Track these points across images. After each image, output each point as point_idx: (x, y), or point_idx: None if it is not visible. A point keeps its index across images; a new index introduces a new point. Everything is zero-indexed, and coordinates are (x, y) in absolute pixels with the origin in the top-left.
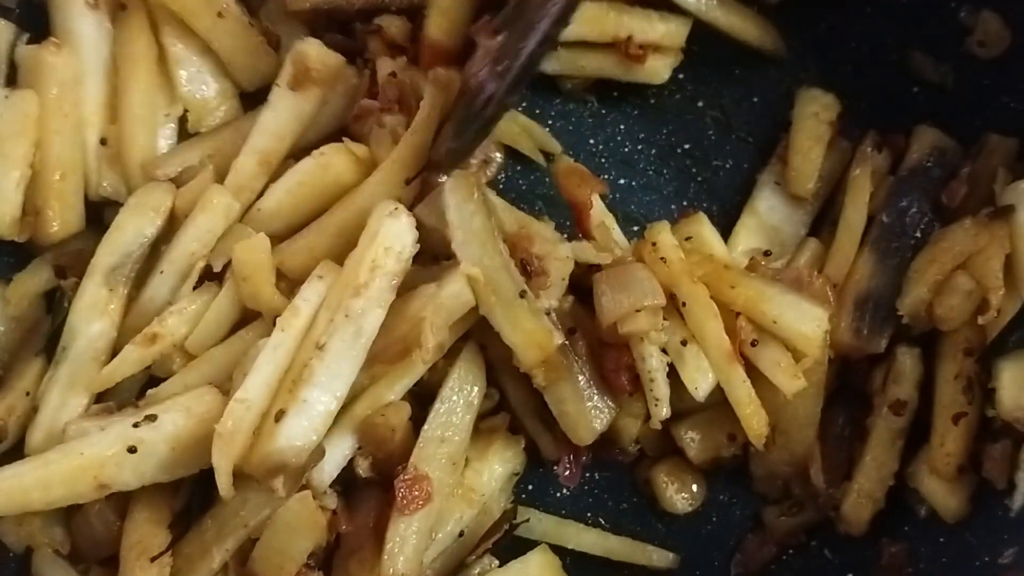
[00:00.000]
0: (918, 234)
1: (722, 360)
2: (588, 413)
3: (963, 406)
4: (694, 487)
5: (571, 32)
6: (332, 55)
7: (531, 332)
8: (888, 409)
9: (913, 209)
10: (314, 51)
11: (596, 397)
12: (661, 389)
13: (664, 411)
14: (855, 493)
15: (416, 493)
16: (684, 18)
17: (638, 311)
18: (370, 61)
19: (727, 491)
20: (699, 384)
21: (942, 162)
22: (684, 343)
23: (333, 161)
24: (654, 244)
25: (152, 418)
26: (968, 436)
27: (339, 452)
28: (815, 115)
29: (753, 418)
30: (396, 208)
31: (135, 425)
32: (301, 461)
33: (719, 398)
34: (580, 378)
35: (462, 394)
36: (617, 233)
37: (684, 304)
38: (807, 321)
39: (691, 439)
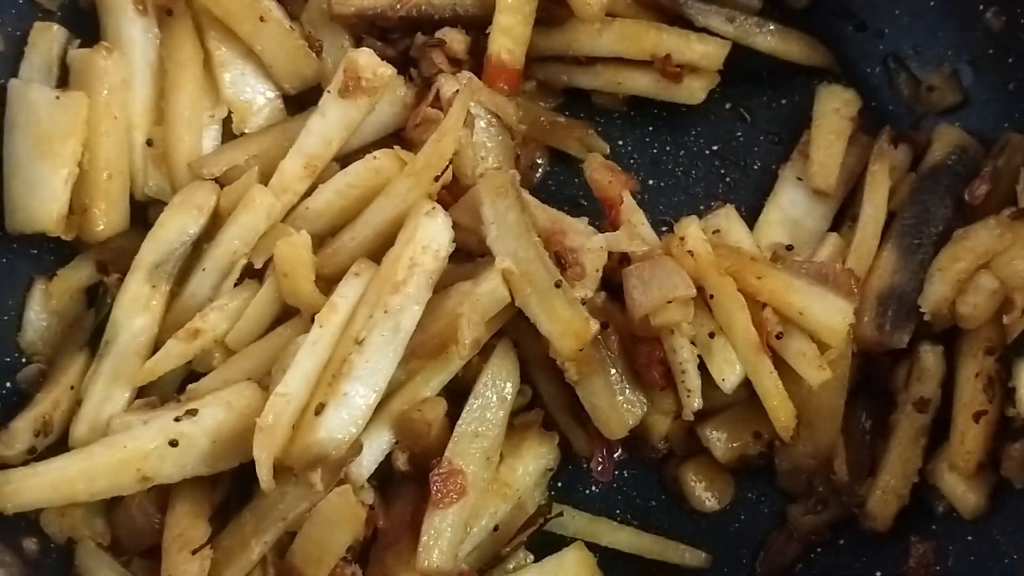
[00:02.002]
0: (940, 231)
1: (750, 351)
2: (620, 407)
3: (983, 404)
4: (722, 486)
5: (610, 49)
6: (383, 65)
7: (568, 321)
8: (912, 406)
9: (935, 206)
10: (365, 60)
11: (628, 391)
12: (693, 380)
13: (696, 402)
14: (880, 489)
15: (451, 487)
16: (723, 41)
17: (669, 303)
18: (418, 70)
19: (755, 489)
20: (727, 376)
21: (964, 160)
22: (712, 335)
23: (384, 166)
24: (682, 238)
25: (193, 412)
26: (988, 434)
27: (376, 447)
28: (836, 111)
29: (780, 409)
30: (433, 208)
31: (177, 419)
32: (340, 454)
33: (744, 396)
34: (612, 372)
35: (496, 390)
36: (647, 229)
37: (712, 296)
38: (833, 313)
39: (717, 438)
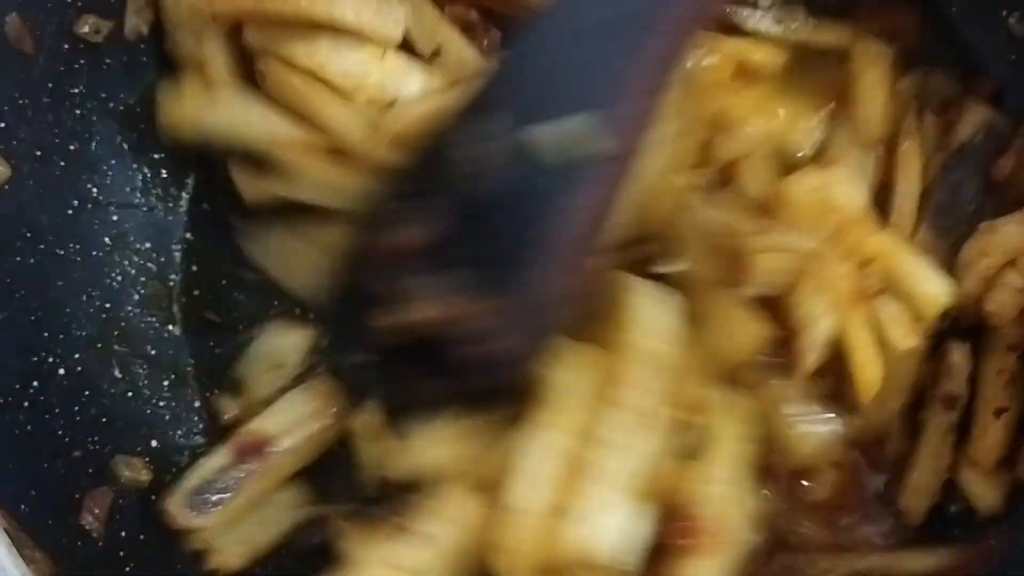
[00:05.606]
0: (971, 211)
1: (845, 304)
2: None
3: (1005, 401)
4: None
5: None
6: None
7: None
8: (940, 403)
9: (965, 185)
10: None
11: None
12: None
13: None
14: (911, 486)
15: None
16: (779, 50)
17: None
18: None
19: None
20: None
21: (992, 137)
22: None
23: None
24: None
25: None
26: (1009, 431)
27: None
28: (872, 64)
29: (868, 365)
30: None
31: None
32: (608, 554)
33: None
34: None
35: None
36: None
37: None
38: (935, 283)
39: None
